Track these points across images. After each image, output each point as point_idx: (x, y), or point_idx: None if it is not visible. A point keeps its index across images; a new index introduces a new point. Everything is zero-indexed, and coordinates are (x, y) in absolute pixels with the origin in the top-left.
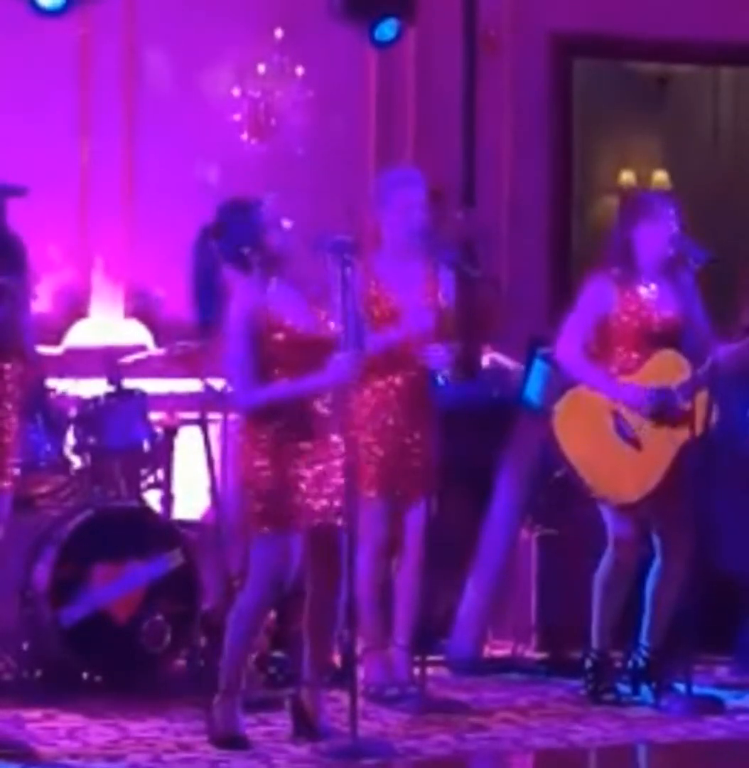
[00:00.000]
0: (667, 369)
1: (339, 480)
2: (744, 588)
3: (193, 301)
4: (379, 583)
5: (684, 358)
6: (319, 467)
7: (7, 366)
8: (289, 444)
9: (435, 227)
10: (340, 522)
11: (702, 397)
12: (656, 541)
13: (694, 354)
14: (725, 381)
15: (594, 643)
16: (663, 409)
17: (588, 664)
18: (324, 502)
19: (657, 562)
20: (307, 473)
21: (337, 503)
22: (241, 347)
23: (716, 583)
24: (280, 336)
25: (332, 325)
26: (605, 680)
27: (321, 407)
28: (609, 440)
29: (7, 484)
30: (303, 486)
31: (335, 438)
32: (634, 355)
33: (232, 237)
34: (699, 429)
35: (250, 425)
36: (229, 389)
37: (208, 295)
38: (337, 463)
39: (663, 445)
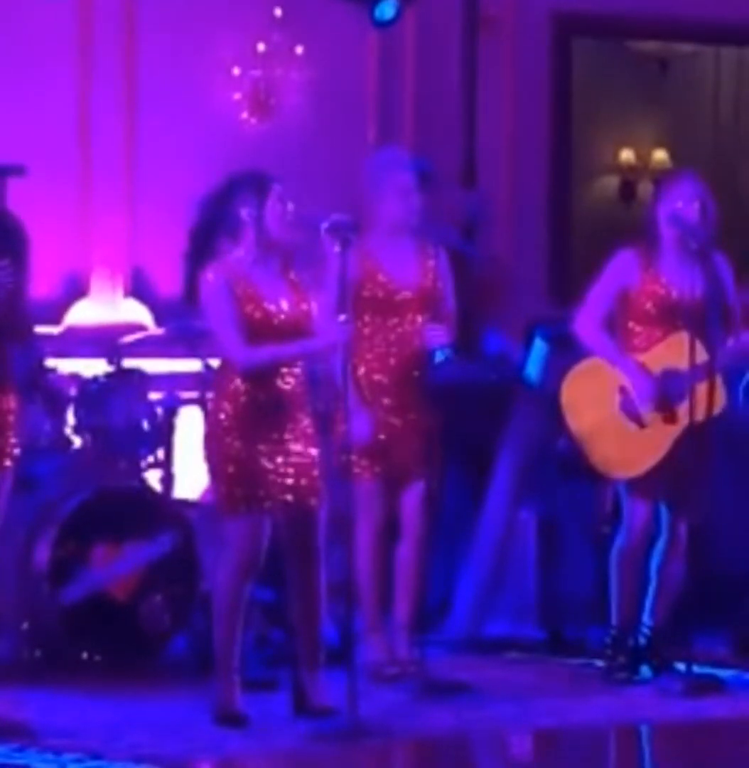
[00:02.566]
0: (680, 351)
1: (310, 460)
2: (743, 573)
3: (183, 259)
4: (379, 563)
5: (701, 342)
6: (290, 447)
7: (7, 346)
8: (258, 426)
9: (427, 209)
10: (313, 502)
11: (708, 382)
12: (664, 515)
13: (715, 336)
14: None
15: (613, 619)
16: (667, 400)
17: (607, 640)
18: (295, 482)
19: (661, 540)
20: (277, 455)
21: (307, 483)
22: (227, 308)
23: (712, 560)
24: (251, 309)
25: (307, 308)
26: (623, 657)
27: (290, 386)
28: (615, 415)
29: (7, 463)
30: (272, 467)
31: (306, 419)
32: (650, 333)
33: (237, 203)
34: (709, 412)
35: (219, 408)
36: (221, 352)
37: (197, 256)
38: (310, 442)
39: (667, 425)
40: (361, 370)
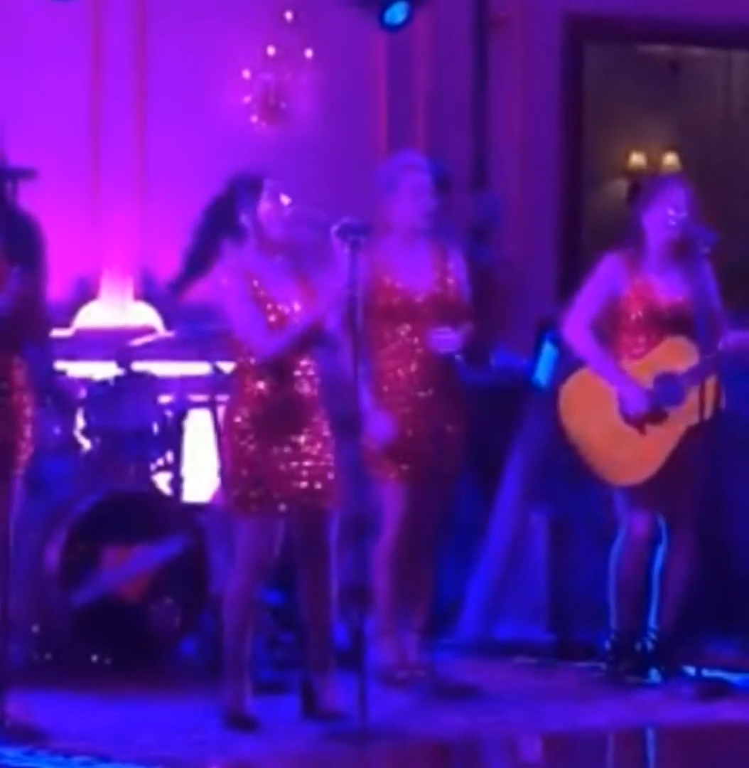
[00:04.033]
0: (676, 356)
1: (325, 463)
2: None
3: (183, 258)
4: (400, 566)
5: (695, 345)
6: (306, 450)
7: (20, 350)
8: (274, 429)
9: (442, 214)
10: (327, 505)
11: (710, 382)
12: (662, 522)
13: (706, 340)
14: (735, 366)
15: (613, 624)
16: (660, 409)
17: (607, 645)
18: (309, 485)
19: (662, 545)
20: (292, 458)
21: (321, 486)
22: (246, 305)
23: (723, 564)
24: (266, 311)
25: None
26: (625, 661)
27: (305, 389)
28: (614, 423)
29: (19, 467)
30: (286, 470)
31: (322, 422)
32: (642, 339)
33: (237, 208)
34: (706, 414)
35: (235, 411)
36: (247, 348)
37: (199, 257)
38: (326, 446)
39: (667, 430)
40: (384, 378)
